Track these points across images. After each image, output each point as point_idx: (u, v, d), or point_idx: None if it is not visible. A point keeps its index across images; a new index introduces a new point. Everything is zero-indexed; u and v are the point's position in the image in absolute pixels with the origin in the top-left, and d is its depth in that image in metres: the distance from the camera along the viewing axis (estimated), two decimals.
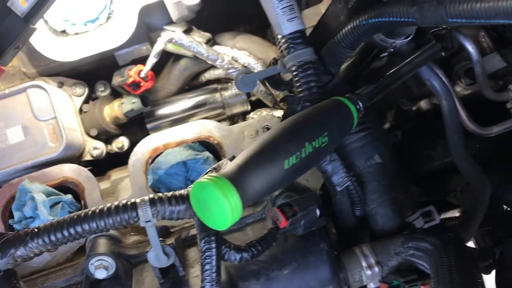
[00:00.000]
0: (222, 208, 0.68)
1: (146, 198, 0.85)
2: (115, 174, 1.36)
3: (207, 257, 0.81)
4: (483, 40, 1.51)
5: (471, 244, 1.65)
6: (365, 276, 0.97)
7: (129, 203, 0.84)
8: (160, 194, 0.85)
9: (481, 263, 1.52)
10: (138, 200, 0.84)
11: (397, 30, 1.04)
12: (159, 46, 1.24)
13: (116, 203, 0.84)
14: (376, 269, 0.97)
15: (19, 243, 0.84)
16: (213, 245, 0.81)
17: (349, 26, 0.99)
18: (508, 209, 1.38)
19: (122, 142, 1.41)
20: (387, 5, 0.90)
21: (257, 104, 1.45)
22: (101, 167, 1.39)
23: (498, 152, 1.51)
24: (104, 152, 1.38)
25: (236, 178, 0.71)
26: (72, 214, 0.84)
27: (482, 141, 1.51)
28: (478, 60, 1.31)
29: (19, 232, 0.85)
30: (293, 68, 0.99)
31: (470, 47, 1.30)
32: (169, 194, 0.85)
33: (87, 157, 1.35)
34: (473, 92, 1.39)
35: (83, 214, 0.84)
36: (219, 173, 0.71)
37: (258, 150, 0.75)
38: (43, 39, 1.23)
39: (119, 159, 1.38)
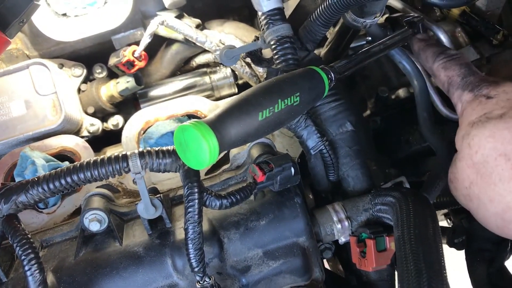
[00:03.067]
0: (201, 148, 0.78)
1: (136, 151, 0.94)
2: (110, 150, 1.45)
3: (190, 201, 0.89)
4: (459, 35, 1.63)
5: (445, 224, 1.74)
6: (336, 229, 1.06)
7: (120, 155, 0.93)
8: (149, 148, 0.94)
9: (455, 240, 1.61)
10: (129, 152, 0.94)
11: (365, 9, 1.14)
12: (152, 27, 1.35)
13: (108, 155, 0.93)
14: (346, 223, 1.06)
15: (21, 190, 0.92)
16: (196, 190, 0.90)
17: (323, 5, 1.10)
18: None
19: (117, 120, 1.50)
20: None
21: (244, 87, 1.55)
22: (97, 144, 1.48)
23: None
24: (100, 129, 1.47)
25: (214, 124, 0.80)
26: (69, 165, 0.93)
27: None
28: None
29: (21, 181, 0.94)
30: (272, 42, 1.09)
31: (441, 35, 1.42)
32: (157, 148, 0.95)
33: (84, 133, 1.44)
34: None
35: (78, 164, 0.92)
36: (199, 120, 0.81)
37: (235, 102, 0.85)
38: (46, 21, 1.33)
39: (114, 137, 1.46)
